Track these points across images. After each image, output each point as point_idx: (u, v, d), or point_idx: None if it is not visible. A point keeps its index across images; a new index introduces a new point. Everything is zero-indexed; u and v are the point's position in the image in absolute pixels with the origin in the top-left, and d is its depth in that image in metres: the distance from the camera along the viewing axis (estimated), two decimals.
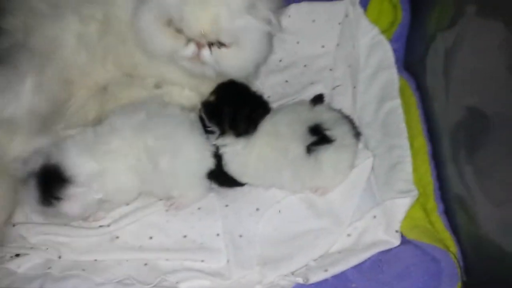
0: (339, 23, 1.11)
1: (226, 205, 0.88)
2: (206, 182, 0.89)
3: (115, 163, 0.80)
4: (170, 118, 0.85)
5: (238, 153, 0.86)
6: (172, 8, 0.81)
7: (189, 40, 0.84)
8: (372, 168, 0.89)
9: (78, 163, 0.77)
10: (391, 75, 1.02)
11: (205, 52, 0.84)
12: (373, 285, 0.76)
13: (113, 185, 0.81)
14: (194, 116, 0.89)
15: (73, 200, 0.77)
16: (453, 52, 0.90)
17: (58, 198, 0.76)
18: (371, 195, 0.86)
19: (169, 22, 0.83)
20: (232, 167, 0.88)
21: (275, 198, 0.89)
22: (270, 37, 0.92)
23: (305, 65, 1.12)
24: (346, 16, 1.10)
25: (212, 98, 0.88)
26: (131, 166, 0.81)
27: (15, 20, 0.93)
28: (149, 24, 0.84)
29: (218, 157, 0.87)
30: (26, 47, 0.91)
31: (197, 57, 0.85)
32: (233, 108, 0.86)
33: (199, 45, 0.84)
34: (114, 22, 0.94)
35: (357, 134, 0.90)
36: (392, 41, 1.08)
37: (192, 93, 0.98)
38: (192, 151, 0.84)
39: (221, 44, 0.84)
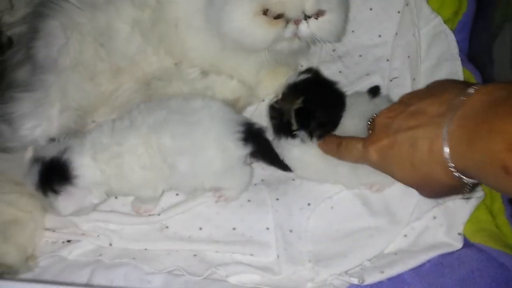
0: (398, 12, 1.06)
1: (277, 199, 0.86)
2: (244, 170, 0.85)
3: (129, 164, 0.79)
4: (190, 116, 0.82)
5: (308, 152, 0.82)
6: None
7: (287, 21, 0.82)
8: None
9: (84, 167, 0.78)
10: (455, 67, 0.96)
11: (303, 26, 0.83)
12: None
13: (130, 183, 0.80)
14: (218, 108, 0.84)
15: (69, 199, 0.77)
16: None
17: (55, 191, 0.76)
18: None
19: (265, 11, 0.81)
20: (294, 163, 0.85)
21: (327, 193, 0.86)
22: None
23: (360, 55, 1.07)
24: (407, 4, 1.05)
25: (299, 102, 0.80)
26: (144, 165, 0.79)
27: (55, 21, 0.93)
28: (247, 21, 0.82)
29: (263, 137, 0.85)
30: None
31: (295, 35, 0.84)
32: (326, 112, 0.81)
33: (297, 22, 0.83)
34: (167, 7, 0.93)
35: None
36: (455, 31, 1.02)
37: (238, 84, 0.97)
38: (213, 150, 0.80)
39: (317, 14, 0.83)
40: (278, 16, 0.81)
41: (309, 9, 0.81)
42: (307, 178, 0.87)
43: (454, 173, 0.57)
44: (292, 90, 0.82)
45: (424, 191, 0.66)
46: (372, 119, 0.73)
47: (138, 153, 0.79)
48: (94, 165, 0.78)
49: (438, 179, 0.59)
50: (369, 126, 0.73)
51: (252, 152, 0.84)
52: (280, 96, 0.83)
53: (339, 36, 0.92)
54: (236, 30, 0.83)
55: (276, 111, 0.83)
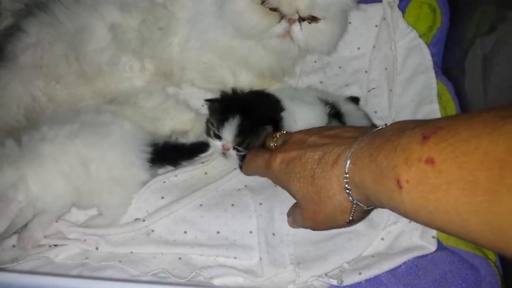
0: (376, 26, 1.11)
1: (260, 203, 0.88)
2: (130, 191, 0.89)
3: (45, 168, 0.80)
4: (101, 127, 0.86)
5: None
6: None
7: (282, 17, 0.87)
8: None
9: None
10: (429, 79, 1.01)
11: (296, 27, 0.88)
12: None
13: (43, 191, 0.81)
14: (128, 125, 0.89)
15: None
16: (492, 57, 0.89)
17: None
18: None
19: (263, 1, 0.86)
20: None
21: None
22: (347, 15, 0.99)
23: (340, 67, 1.11)
24: (384, 19, 1.10)
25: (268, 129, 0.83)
26: (62, 172, 0.81)
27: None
28: (246, 6, 0.88)
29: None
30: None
31: (287, 33, 0.89)
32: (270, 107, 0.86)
33: (290, 21, 0.88)
34: (174, 8, 0.97)
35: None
36: (430, 45, 1.07)
37: (192, 118, 0.99)
38: (117, 160, 0.84)
39: (311, 19, 0.88)
40: (275, 10, 0.87)
41: (302, 10, 0.86)
42: None
43: (346, 188, 0.59)
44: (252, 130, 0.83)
45: (312, 208, 0.66)
46: (286, 132, 0.78)
47: (56, 159, 0.81)
48: (7, 169, 0.78)
49: (331, 195, 0.61)
50: (275, 140, 0.78)
51: (166, 162, 0.91)
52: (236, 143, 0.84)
53: (329, 47, 0.96)
54: (235, 12, 0.89)
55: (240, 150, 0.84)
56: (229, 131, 0.82)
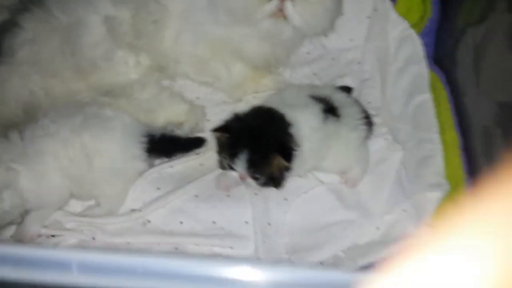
0: (368, 17, 1.11)
1: (255, 193, 0.88)
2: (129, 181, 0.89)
3: (44, 165, 0.81)
4: (104, 121, 0.87)
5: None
6: None
7: None
8: (402, 162, 0.89)
9: None
10: (421, 69, 1.02)
11: (289, 4, 0.87)
12: None
13: (41, 188, 0.81)
14: (128, 118, 0.89)
15: None
16: (483, 46, 0.90)
17: None
18: (401, 189, 0.87)
19: None
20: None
21: (302, 189, 0.90)
22: None
23: (333, 58, 1.12)
24: (375, 10, 1.10)
25: (279, 161, 0.84)
26: (61, 167, 0.82)
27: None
28: None
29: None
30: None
31: (279, 12, 0.87)
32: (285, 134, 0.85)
33: None
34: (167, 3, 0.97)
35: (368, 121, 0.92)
36: (421, 35, 1.08)
37: (187, 109, 0.99)
38: (119, 152, 0.85)
39: None
40: None
41: None
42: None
43: None
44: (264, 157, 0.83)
45: None
46: None
47: (57, 155, 0.81)
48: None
49: None
50: None
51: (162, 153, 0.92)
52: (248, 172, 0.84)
53: (324, 25, 0.95)
54: None
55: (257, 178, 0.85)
56: (240, 165, 0.83)
